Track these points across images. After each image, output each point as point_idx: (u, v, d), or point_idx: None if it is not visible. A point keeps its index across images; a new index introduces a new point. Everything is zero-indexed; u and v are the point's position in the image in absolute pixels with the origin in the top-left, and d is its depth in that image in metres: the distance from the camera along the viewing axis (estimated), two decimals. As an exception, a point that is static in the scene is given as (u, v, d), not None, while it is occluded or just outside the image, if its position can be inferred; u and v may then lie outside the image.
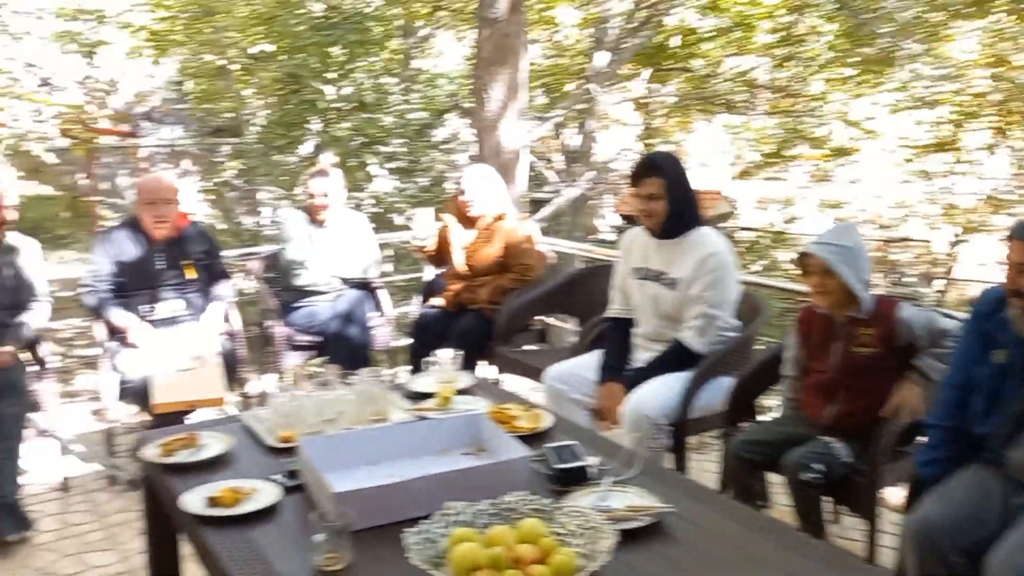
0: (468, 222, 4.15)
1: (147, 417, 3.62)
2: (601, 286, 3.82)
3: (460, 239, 4.15)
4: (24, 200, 3.73)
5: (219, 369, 3.57)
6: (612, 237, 14.32)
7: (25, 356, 3.46)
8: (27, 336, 3.43)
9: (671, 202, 2.85)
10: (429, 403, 2.46)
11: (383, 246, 4.73)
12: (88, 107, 10.19)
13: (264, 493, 1.88)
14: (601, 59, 9.83)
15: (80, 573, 2.86)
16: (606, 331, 3.14)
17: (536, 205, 10.22)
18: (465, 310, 4.05)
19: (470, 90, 10.95)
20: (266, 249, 4.68)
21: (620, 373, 2.93)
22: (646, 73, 11.48)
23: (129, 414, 4.17)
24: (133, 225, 3.78)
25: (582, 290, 4.01)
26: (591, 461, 1.98)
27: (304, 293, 4.21)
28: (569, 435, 2.22)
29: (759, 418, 2.86)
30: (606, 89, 9.74)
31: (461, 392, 2.55)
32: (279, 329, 4.14)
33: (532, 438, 2.17)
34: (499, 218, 4.08)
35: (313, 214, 4.27)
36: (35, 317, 3.48)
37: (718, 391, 2.83)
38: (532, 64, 7.78)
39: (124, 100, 12.39)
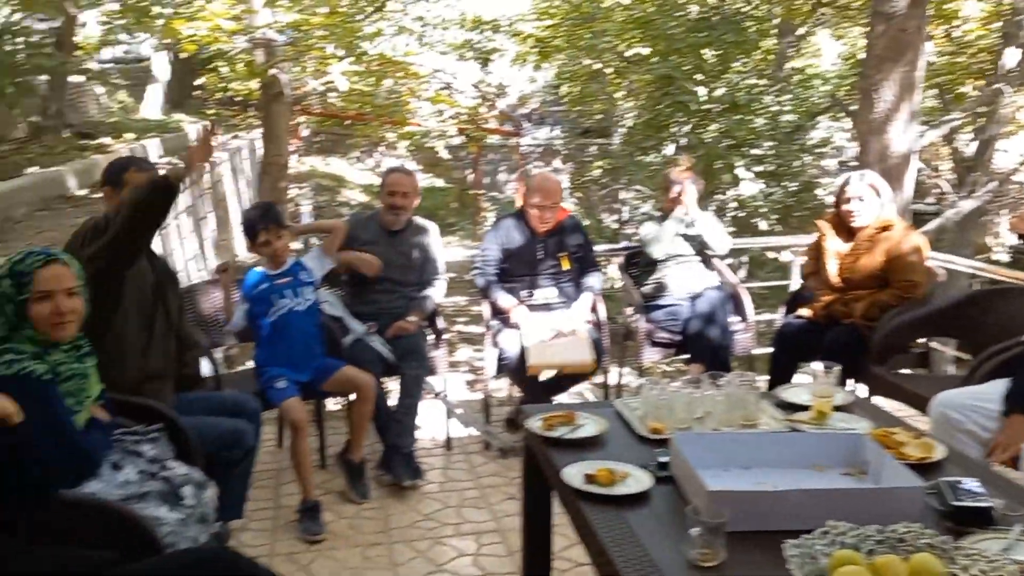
0: (845, 232, 3.90)
1: (519, 392, 3.95)
2: (1004, 310, 3.40)
3: (835, 249, 3.92)
4: (422, 191, 4.26)
5: (586, 339, 3.77)
6: (1005, 257, 12.58)
7: (424, 326, 3.95)
8: (430, 308, 3.92)
9: None
10: (803, 415, 2.36)
11: (741, 251, 4.63)
12: (480, 109, 11.30)
13: (637, 478, 1.95)
14: (1012, 57, 8.66)
15: (459, 524, 3.21)
16: (1021, 358, 2.77)
17: (918, 217, 9.32)
18: (835, 323, 3.81)
19: (849, 90, 10.30)
20: (630, 246, 4.82)
21: (1034, 406, 2.57)
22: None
23: (504, 387, 4.57)
24: (520, 216, 4.12)
25: (978, 313, 3.58)
26: (995, 503, 1.76)
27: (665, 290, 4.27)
28: (965, 471, 2.00)
29: None
30: (1017, 90, 8.56)
31: (838, 408, 2.41)
32: (641, 324, 4.25)
33: (921, 468, 1.98)
34: (884, 228, 3.78)
35: (669, 211, 4.33)
36: (437, 292, 3.96)
37: None
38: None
39: (509, 102, 13.57)
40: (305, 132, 14.85)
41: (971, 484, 1.81)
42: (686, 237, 4.27)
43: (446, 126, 10.05)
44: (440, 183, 15.80)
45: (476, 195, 13.08)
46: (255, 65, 6.75)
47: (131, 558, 1.86)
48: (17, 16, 7.99)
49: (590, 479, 1.94)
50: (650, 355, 4.25)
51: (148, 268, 2.84)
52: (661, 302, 4.26)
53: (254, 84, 9.03)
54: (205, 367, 3.27)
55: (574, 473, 1.97)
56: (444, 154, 12.98)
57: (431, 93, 9.73)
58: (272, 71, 6.93)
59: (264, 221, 3.37)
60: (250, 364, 3.68)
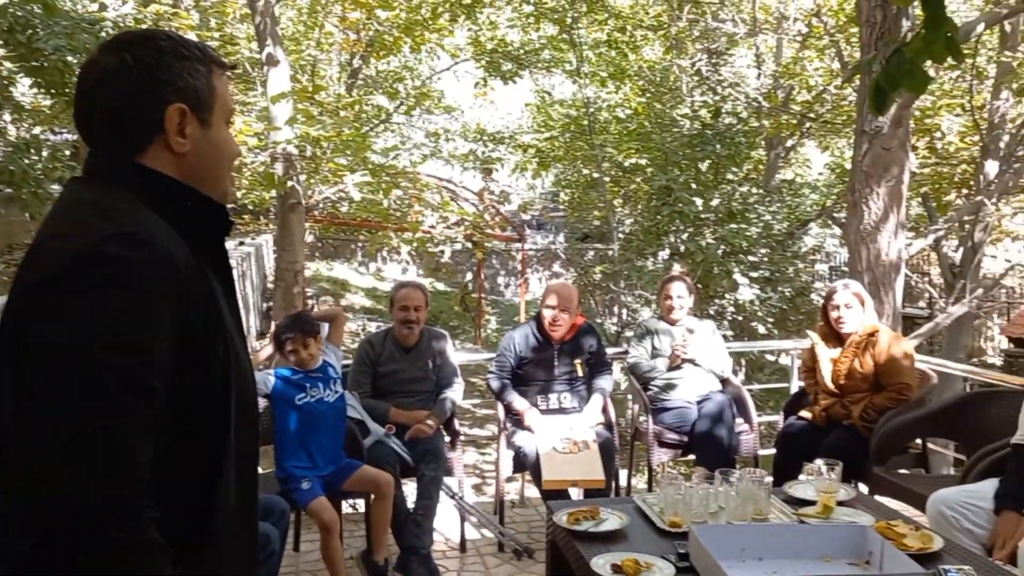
0: (835, 339, 4.10)
1: (536, 492, 4.08)
2: (996, 413, 3.59)
3: (827, 355, 4.10)
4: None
5: (598, 454, 3.93)
6: (998, 361, 12.80)
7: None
8: (448, 411, 4.09)
9: None
10: (810, 510, 2.53)
11: (740, 354, 4.83)
12: (484, 215, 11.75)
13: (659, 569, 2.10)
14: (992, 168, 9.12)
15: (479, 622, 3.29)
16: (1009, 458, 2.94)
17: (908, 321, 9.58)
18: (836, 425, 3.98)
19: (837, 199, 10.74)
20: (628, 350, 5.01)
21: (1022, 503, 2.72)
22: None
23: (516, 489, 4.68)
24: (537, 322, 4.33)
25: (972, 415, 3.76)
26: (991, 591, 1.92)
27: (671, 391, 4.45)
28: (961, 560, 2.16)
29: None
30: (1001, 201, 8.97)
31: (841, 503, 2.58)
32: (649, 426, 4.40)
33: (921, 558, 2.14)
34: (871, 334, 3.99)
35: (667, 315, 4.58)
36: (455, 393, 4.14)
37: None
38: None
39: (511, 209, 14.03)
40: (309, 238, 15.27)
41: (968, 572, 1.97)
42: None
43: (452, 232, 10.45)
44: (442, 287, 16.14)
45: (479, 299, 13.38)
46: (275, 177, 7.11)
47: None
48: (37, 130, 8.39)
49: (617, 569, 2.09)
50: (659, 455, 4.38)
51: None
52: (668, 404, 4.43)
53: (267, 194, 9.43)
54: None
55: (602, 563, 2.12)
56: (447, 259, 13.36)
57: (437, 201, 10.16)
58: (290, 183, 7.29)
59: (291, 330, 3.53)
60: (271, 469, 3.79)
